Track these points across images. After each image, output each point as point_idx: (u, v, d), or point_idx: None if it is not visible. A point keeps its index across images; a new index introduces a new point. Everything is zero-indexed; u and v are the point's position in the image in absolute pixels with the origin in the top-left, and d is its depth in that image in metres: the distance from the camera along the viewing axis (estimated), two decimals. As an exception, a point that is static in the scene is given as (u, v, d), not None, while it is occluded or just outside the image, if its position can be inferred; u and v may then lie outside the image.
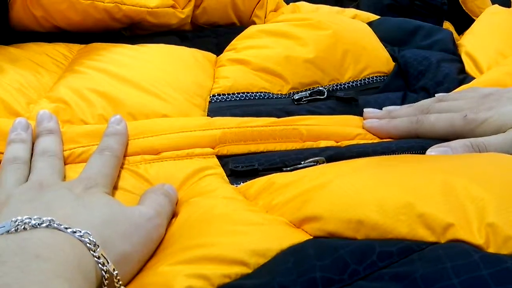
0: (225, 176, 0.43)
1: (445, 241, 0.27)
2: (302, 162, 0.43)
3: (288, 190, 0.35)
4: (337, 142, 0.48)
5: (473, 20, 0.72)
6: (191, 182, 0.42)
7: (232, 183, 0.42)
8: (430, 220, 0.28)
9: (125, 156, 0.44)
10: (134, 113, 0.48)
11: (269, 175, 0.40)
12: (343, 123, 0.50)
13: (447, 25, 0.77)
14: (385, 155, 0.44)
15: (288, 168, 0.43)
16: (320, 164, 0.43)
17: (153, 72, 0.52)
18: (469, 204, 0.28)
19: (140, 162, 0.44)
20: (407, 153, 0.44)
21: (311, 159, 0.43)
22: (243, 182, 0.42)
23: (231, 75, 0.54)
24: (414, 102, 0.53)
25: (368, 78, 0.58)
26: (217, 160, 0.45)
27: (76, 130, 0.46)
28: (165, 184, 0.40)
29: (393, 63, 0.60)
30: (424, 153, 0.44)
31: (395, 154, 0.44)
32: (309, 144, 0.47)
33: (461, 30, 0.73)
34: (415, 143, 0.46)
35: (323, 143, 0.47)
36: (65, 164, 0.43)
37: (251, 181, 0.41)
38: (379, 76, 0.59)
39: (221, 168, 0.44)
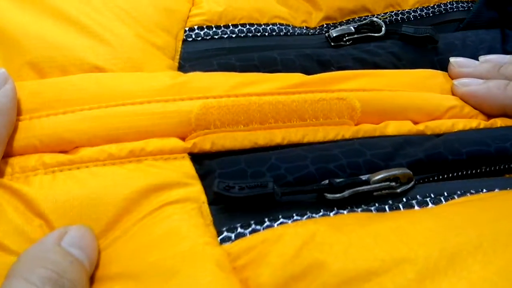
0: (205, 206, 0.21)
1: None
2: (364, 178, 0.21)
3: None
4: (416, 124, 0.26)
5: None
6: (133, 221, 0.20)
7: (218, 226, 0.20)
8: None
9: (5, 156, 0.22)
10: (40, 63, 0.26)
11: (306, 227, 0.18)
12: (420, 85, 0.29)
13: None
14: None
15: (338, 195, 0.21)
16: (404, 186, 0.21)
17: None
18: None
19: (34, 170, 0.22)
20: None
21: (383, 175, 0.21)
22: (242, 228, 0.20)
23: (222, -6, 0.33)
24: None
25: (445, 4, 0.40)
26: (191, 164, 0.23)
27: None
28: (70, 230, 0.19)
29: (480, -18, 0.42)
30: None
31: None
32: (368, 129, 0.26)
33: None
34: None
35: (392, 127, 0.26)
36: None
37: (264, 232, 0.19)
38: (461, 2, 0.41)
39: (200, 185, 0.22)
